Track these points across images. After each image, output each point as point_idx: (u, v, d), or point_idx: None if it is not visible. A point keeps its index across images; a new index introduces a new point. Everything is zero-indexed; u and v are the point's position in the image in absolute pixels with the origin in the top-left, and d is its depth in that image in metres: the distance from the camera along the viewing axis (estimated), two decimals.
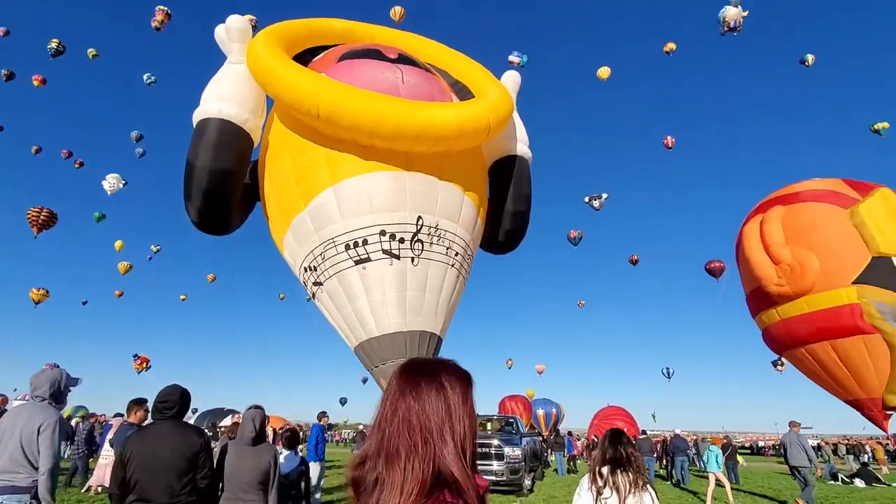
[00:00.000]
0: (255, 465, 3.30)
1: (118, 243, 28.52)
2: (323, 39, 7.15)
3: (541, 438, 18.26)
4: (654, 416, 40.70)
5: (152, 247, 32.12)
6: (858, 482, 15.54)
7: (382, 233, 5.57)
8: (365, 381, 34.92)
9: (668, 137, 26.46)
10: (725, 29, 17.59)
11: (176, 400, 3.09)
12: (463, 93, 6.77)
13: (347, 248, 5.70)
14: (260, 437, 3.43)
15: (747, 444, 44.86)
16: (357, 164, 5.71)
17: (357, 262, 5.72)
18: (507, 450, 10.46)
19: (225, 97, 5.73)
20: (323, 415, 9.24)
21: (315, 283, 6.43)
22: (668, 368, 34.94)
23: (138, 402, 5.53)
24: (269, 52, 5.50)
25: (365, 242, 5.62)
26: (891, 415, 10.97)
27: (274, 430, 15.40)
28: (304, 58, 6.66)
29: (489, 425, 13.00)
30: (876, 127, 24.14)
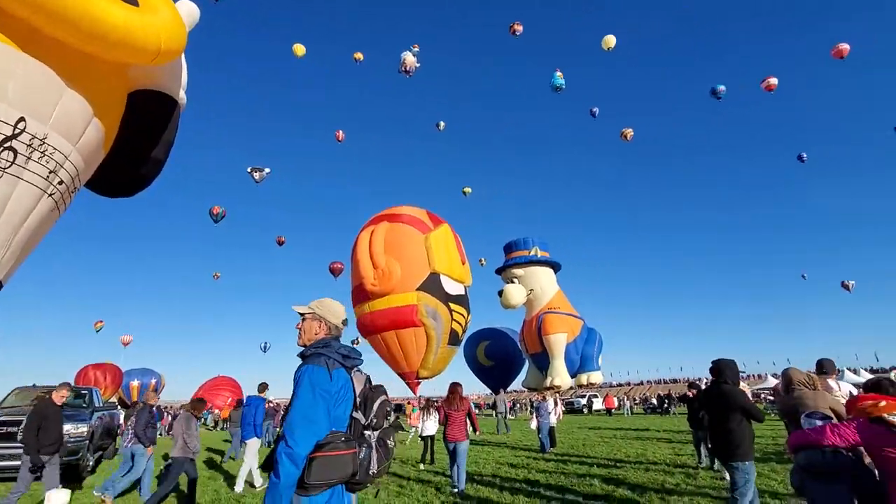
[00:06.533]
0: None
1: None
2: None
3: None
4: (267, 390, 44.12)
5: None
6: None
7: None
8: None
9: (339, 132, 29.15)
10: (403, 69, 21.33)
11: None
12: None
13: None
14: None
15: None
16: None
17: None
18: (69, 426, 8.84)
19: None
20: (264, 387, 8.70)
21: None
22: (265, 343, 38.72)
23: None
24: None
25: None
26: (419, 382, 15.94)
27: None
28: None
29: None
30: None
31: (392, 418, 2.17)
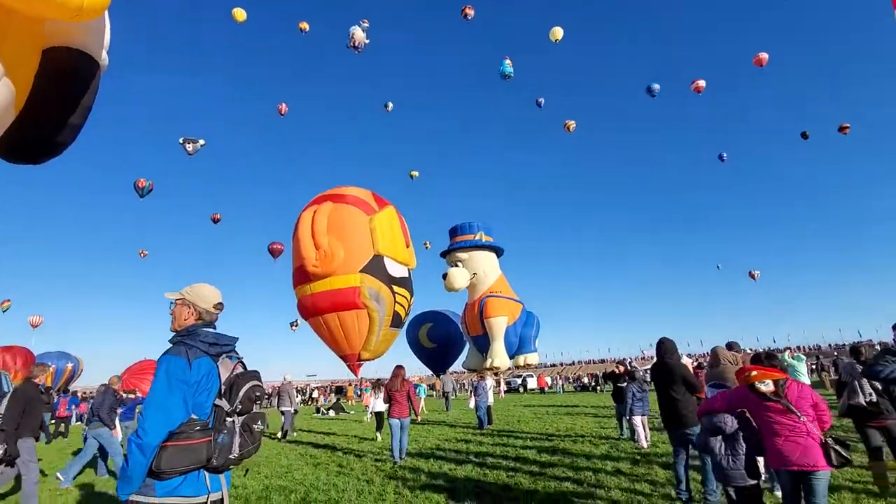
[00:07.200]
0: None
1: None
2: None
3: None
4: None
5: None
6: (332, 412, 21.41)
7: None
8: None
9: (282, 105, 27.71)
10: (351, 45, 20.65)
11: None
12: None
13: None
14: None
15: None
16: None
17: None
18: None
19: None
20: None
21: None
22: None
23: None
24: None
25: None
26: (361, 364, 15.96)
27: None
28: None
29: None
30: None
31: (261, 403, 2.18)
